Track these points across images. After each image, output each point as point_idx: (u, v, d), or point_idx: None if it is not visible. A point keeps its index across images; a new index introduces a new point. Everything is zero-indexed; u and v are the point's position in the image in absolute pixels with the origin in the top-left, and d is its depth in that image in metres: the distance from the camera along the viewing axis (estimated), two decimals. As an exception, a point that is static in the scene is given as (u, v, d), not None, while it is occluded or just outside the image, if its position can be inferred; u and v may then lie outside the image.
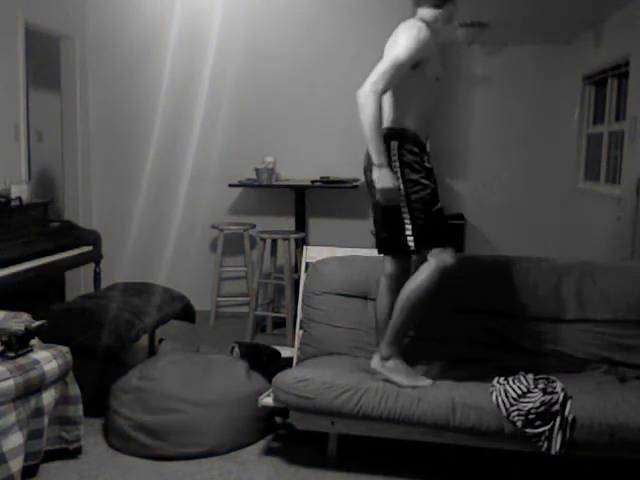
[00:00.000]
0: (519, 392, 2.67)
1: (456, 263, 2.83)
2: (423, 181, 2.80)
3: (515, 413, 2.61)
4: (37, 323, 2.85)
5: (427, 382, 2.80)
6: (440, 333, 3.21)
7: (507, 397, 2.66)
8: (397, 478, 2.80)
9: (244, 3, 5.35)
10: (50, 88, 5.66)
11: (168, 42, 5.33)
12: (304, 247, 3.68)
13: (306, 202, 5.26)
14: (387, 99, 2.83)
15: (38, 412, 2.69)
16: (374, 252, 3.17)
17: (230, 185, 5.25)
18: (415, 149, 2.82)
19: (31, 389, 2.64)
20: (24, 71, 4.66)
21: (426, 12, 2.87)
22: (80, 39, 5.38)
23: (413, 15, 2.90)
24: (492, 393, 2.71)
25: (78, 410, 2.91)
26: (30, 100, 5.16)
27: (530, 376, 2.81)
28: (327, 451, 2.93)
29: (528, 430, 2.60)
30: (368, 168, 2.84)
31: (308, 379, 2.83)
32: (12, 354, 2.68)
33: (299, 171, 5.32)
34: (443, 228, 2.87)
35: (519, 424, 2.60)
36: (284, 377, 2.90)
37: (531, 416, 2.60)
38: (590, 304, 3.16)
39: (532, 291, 3.23)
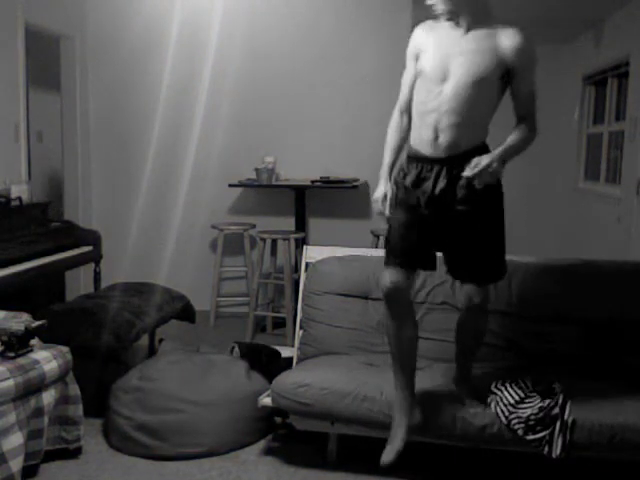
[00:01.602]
0: (517, 398, 2.66)
1: (392, 288, 2.57)
2: (396, 199, 2.66)
3: (515, 421, 2.60)
4: (37, 323, 2.85)
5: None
6: (440, 333, 3.20)
7: (505, 405, 2.64)
8: (396, 478, 2.79)
9: (244, 3, 5.34)
10: (50, 88, 5.66)
11: (168, 42, 5.33)
12: (304, 247, 3.68)
13: (306, 202, 5.25)
14: None
15: (38, 412, 2.69)
16: (374, 252, 3.16)
17: (230, 185, 5.25)
18: (404, 164, 2.68)
19: (31, 389, 2.64)
20: (24, 71, 4.65)
21: None
22: (80, 39, 5.38)
23: (412, 15, 2.83)
24: (491, 403, 2.70)
25: (78, 410, 2.91)
26: (30, 100, 5.16)
27: (529, 379, 2.79)
28: (327, 451, 2.93)
29: (529, 437, 2.60)
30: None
31: (307, 384, 2.81)
32: (12, 354, 2.68)
33: (299, 171, 5.32)
34: (397, 246, 2.65)
35: (520, 432, 2.59)
36: (283, 381, 2.89)
37: (531, 422, 2.59)
38: (590, 304, 3.16)
39: (532, 291, 3.22)
